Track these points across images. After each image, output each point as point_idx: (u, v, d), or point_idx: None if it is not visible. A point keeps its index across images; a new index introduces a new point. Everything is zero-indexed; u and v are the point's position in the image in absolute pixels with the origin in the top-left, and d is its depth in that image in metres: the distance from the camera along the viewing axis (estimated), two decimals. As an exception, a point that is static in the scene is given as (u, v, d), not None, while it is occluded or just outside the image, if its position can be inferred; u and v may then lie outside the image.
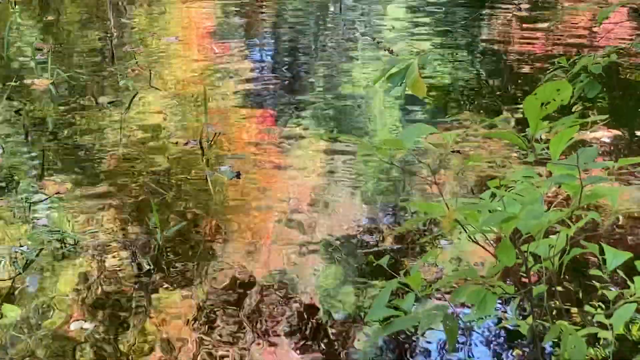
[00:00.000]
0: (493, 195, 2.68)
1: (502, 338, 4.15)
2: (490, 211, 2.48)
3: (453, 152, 6.23)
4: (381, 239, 5.21)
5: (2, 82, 8.27)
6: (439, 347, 4.09)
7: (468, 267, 4.46)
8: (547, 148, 2.57)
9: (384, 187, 5.97)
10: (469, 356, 4.01)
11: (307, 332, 4.31)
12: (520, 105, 7.62)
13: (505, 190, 2.62)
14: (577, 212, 2.55)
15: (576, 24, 11.09)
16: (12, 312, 4.43)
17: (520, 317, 3.40)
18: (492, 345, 4.12)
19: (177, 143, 6.69)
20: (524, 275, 2.68)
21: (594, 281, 4.25)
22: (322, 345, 4.19)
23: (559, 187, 2.61)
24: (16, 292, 4.63)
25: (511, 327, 3.98)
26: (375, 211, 5.68)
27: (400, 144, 2.51)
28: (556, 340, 2.61)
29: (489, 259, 4.63)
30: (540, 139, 2.55)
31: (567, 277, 4.47)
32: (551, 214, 2.53)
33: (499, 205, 2.56)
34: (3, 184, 5.97)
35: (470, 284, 2.54)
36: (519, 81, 8.69)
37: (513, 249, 2.46)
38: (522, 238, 2.61)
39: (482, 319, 3.83)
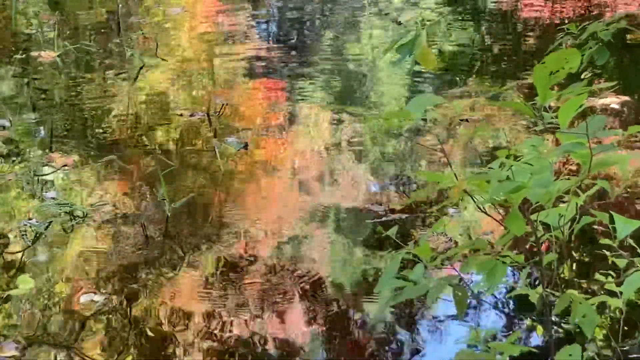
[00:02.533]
0: (502, 164, 2.66)
1: (512, 307, 4.15)
2: (499, 181, 2.46)
3: (461, 120, 6.20)
4: (389, 208, 5.20)
5: (8, 55, 8.25)
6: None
7: (477, 237, 4.45)
8: (556, 116, 2.54)
9: (391, 157, 5.95)
10: (478, 324, 4.01)
11: (314, 302, 4.31)
12: (529, 72, 7.59)
13: (514, 160, 2.60)
14: (586, 181, 2.53)
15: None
16: (26, 284, 4.43)
17: (530, 287, 3.39)
18: (501, 314, 4.12)
19: (181, 115, 6.67)
20: (534, 244, 2.66)
21: (604, 250, 4.24)
22: (330, 316, 4.19)
23: (568, 155, 2.59)
24: (26, 265, 4.64)
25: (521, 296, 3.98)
26: (383, 180, 5.66)
27: (408, 115, 2.49)
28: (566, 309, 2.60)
29: (498, 228, 4.63)
30: (549, 107, 2.53)
31: (577, 246, 4.46)
32: (560, 182, 2.51)
33: (508, 174, 2.54)
34: (11, 157, 5.96)
35: (480, 255, 2.53)
36: (528, 48, 8.63)
37: (522, 218, 2.44)
38: (531, 207, 2.59)
39: (492, 288, 3.82)
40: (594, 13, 9.69)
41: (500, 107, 6.47)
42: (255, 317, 4.18)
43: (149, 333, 4.09)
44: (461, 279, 2.61)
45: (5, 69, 7.86)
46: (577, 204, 2.67)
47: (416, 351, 3.96)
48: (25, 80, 7.66)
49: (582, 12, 9.79)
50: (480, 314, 4.15)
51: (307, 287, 4.44)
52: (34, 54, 8.25)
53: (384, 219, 5.06)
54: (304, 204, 5.32)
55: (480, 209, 2.61)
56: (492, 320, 4.13)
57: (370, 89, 7.54)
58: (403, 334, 4.06)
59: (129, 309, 4.26)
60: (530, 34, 9.14)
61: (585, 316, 2.48)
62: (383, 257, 4.64)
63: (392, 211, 5.16)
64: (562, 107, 2.48)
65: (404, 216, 5.08)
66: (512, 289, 4.16)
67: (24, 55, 8.17)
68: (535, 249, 2.60)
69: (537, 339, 3.97)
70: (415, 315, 4.16)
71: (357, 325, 4.12)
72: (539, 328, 4.01)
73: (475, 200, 2.51)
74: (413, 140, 5.96)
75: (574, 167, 3.70)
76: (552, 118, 2.48)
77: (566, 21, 9.12)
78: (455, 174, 2.52)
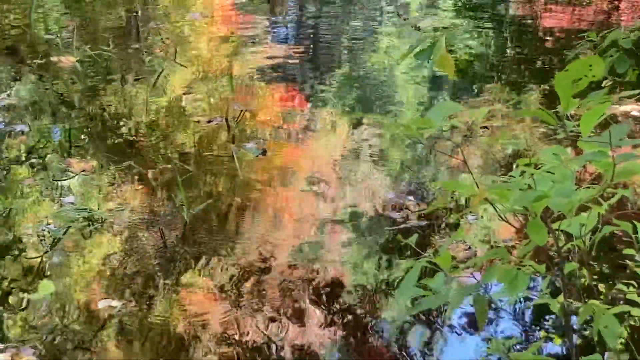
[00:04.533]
0: (523, 173, 2.64)
1: (531, 316, 4.12)
2: (521, 190, 2.45)
3: (481, 128, 6.18)
4: (407, 215, 5.18)
5: (28, 60, 8.28)
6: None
7: (497, 246, 4.43)
8: (578, 125, 2.53)
9: (410, 164, 5.94)
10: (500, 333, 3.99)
11: (332, 308, 4.30)
12: (548, 79, 7.56)
13: (535, 168, 2.58)
14: (608, 190, 2.51)
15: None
16: (47, 289, 4.44)
17: (550, 296, 3.37)
18: (522, 323, 4.10)
19: (199, 121, 6.67)
20: (555, 253, 2.64)
21: (626, 260, 4.22)
22: (348, 323, 4.18)
23: (589, 163, 2.57)
24: (44, 270, 4.65)
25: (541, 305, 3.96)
26: (402, 187, 5.65)
27: (429, 123, 2.47)
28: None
29: (517, 234, 4.61)
30: (570, 115, 2.51)
31: (598, 255, 4.43)
32: (582, 192, 2.49)
33: (529, 182, 2.52)
34: (30, 163, 5.97)
35: (501, 264, 2.51)
36: (547, 55, 8.60)
37: (544, 227, 2.42)
38: (552, 216, 2.57)
39: (513, 298, 3.80)
40: (613, 20, 9.65)
41: (516, 111, 6.45)
42: (272, 322, 4.17)
43: (167, 339, 4.08)
44: (482, 288, 2.59)
45: (25, 74, 7.89)
46: (599, 213, 2.65)
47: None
48: (45, 85, 7.68)
49: (602, 19, 9.75)
50: (500, 323, 4.12)
51: (325, 293, 4.42)
52: (53, 59, 8.27)
53: (402, 226, 5.04)
54: (322, 211, 5.31)
55: (501, 217, 2.59)
56: (510, 329, 4.10)
57: (389, 95, 7.53)
58: (420, 343, 4.04)
59: (147, 314, 4.26)
60: (550, 41, 9.10)
61: (607, 327, 2.46)
62: (402, 264, 4.62)
63: (411, 218, 5.14)
64: (584, 115, 2.46)
65: (422, 223, 5.06)
66: (529, 298, 4.14)
67: (43, 61, 8.18)
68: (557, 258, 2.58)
69: (556, 348, 3.94)
70: (433, 323, 4.14)
71: (375, 333, 4.10)
72: (557, 337, 3.98)
73: (497, 209, 2.49)
74: (432, 147, 5.94)
75: (591, 169, 3.68)
76: (574, 126, 2.46)
77: (585, 28, 9.09)
78: (476, 183, 2.50)
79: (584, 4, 10.51)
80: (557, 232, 2.57)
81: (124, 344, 4.06)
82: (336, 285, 4.49)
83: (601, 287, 4.20)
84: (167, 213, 5.28)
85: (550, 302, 3.03)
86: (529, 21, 9.97)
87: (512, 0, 11.02)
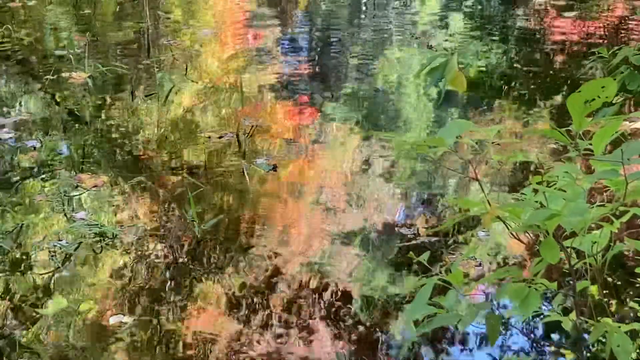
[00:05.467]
0: (535, 191, 2.65)
1: (544, 333, 4.12)
2: (533, 208, 2.46)
3: (492, 143, 6.18)
4: (418, 231, 5.19)
5: (40, 76, 8.31)
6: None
7: (508, 263, 4.43)
8: (590, 143, 2.53)
9: (420, 180, 5.94)
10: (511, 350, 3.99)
11: (342, 325, 4.30)
12: (558, 95, 7.57)
13: (547, 186, 2.59)
14: (620, 208, 2.51)
15: (613, 14, 10.97)
16: (59, 304, 4.45)
17: (562, 313, 3.37)
18: (533, 340, 4.09)
19: (210, 137, 6.68)
20: (567, 271, 2.65)
21: (638, 278, 4.21)
22: (358, 339, 4.18)
23: (601, 181, 2.57)
24: (55, 286, 4.66)
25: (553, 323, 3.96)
26: (412, 203, 5.65)
27: (441, 142, 2.48)
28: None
29: (529, 251, 4.61)
30: (583, 133, 2.52)
31: (610, 272, 4.43)
32: (594, 210, 2.50)
33: (540, 199, 2.53)
34: (41, 178, 6.00)
35: (513, 282, 2.52)
36: (557, 71, 8.61)
37: (557, 246, 2.42)
38: (564, 234, 2.58)
39: (526, 316, 3.80)
40: (623, 36, 9.66)
41: (528, 129, 6.46)
42: (282, 338, 4.18)
43: (178, 354, 4.09)
44: (493, 306, 2.60)
45: (36, 90, 7.92)
46: (610, 231, 2.65)
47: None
48: (56, 101, 7.71)
49: (613, 34, 9.75)
50: (511, 340, 4.12)
51: (335, 309, 4.43)
52: (65, 75, 8.29)
53: (413, 242, 5.05)
54: (332, 226, 5.32)
55: (513, 235, 2.60)
56: (521, 346, 4.10)
57: (399, 111, 7.53)
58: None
59: (158, 330, 4.27)
60: (560, 56, 9.11)
61: (620, 345, 2.46)
62: (413, 281, 4.62)
63: (421, 234, 5.14)
64: (597, 133, 2.46)
65: (433, 239, 5.07)
66: (540, 314, 4.13)
67: (55, 76, 8.21)
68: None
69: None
70: (443, 339, 4.14)
71: (386, 349, 4.10)
72: (568, 354, 3.98)
73: (509, 227, 2.50)
74: (442, 164, 5.95)
75: (603, 185, 3.68)
76: (588, 145, 2.47)
77: (596, 43, 9.09)
78: (488, 201, 2.51)
79: (594, 18, 10.52)
80: (569, 250, 2.58)
81: (135, 359, 4.07)
82: (346, 302, 4.49)
83: (613, 304, 4.20)
84: (178, 228, 5.29)
85: (563, 320, 3.03)
86: (539, 36, 9.98)
87: (522, 15, 11.03)
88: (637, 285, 4.29)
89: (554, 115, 7.08)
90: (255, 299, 4.52)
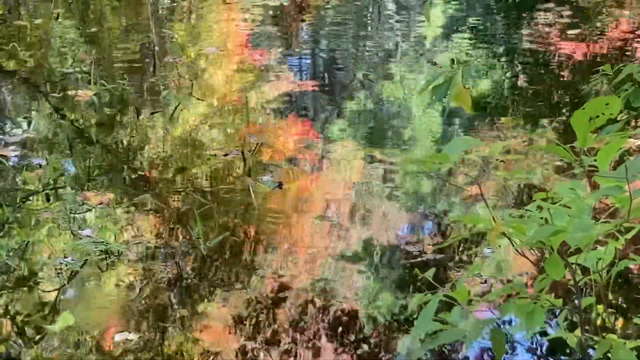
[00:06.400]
0: (539, 207, 2.66)
1: (550, 350, 4.11)
2: (537, 224, 2.47)
3: (497, 161, 6.18)
4: (423, 249, 5.19)
5: (46, 94, 8.34)
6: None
7: (514, 280, 4.44)
8: (595, 159, 2.54)
9: (425, 197, 5.95)
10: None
11: (348, 341, 4.30)
12: (563, 111, 7.58)
13: (552, 203, 2.60)
14: (625, 225, 2.52)
15: (618, 31, 10.99)
16: (66, 321, 4.46)
17: (568, 330, 3.37)
18: (539, 357, 4.09)
19: (215, 155, 6.69)
20: (572, 287, 2.65)
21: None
22: (364, 357, 4.18)
23: (606, 198, 2.58)
24: (61, 303, 4.67)
25: (558, 339, 3.96)
26: (417, 220, 5.66)
27: (447, 158, 2.50)
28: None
29: (534, 267, 4.61)
30: (587, 150, 2.53)
31: (615, 289, 4.43)
32: (599, 226, 2.50)
33: (544, 215, 2.54)
34: (47, 196, 6.01)
35: (518, 298, 2.53)
36: (562, 87, 8.62)
37: (561, 262, 2.43)
38: (569, 250, 2.58)
39: (531, 332, 3.81)
40: (628, 52, 9.67)
41: (533, 146, 6.47)
42: (287, 356, 4.18)
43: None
44: (499, 323, 2.60)
45: (42, 108, 7.95)
46: (615, 247, 2.66)
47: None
48: (62, 119, 7.73)
49: (617, 51, 9.77)
50: (517, 357, 4.12)
51: (340, 327, 4.43)
52: (70, 92, 8.32)
53: (418, 259, 5.05)
54: (337, 243, 5.32)
55: (518, 252, 2.61)
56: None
57: (403, 129, 7.55)
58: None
59: (163, 347, 4.27)
60: (564, 73, 9.13)
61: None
62: (417, 298, 4.62)
63: (426, 251, 5.15)
64: (601, 150, 2.48)
65: (438, 256, 5.07)
66: (545, 332, 4.13)
67: (60, 94, 8.24)
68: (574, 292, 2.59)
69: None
70: (451, 355, 4.14)
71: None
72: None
73: (513, 243, 2.50)
74: (447, 181, 5.96)
75: (607, 202, 3.69)
76: (592, 161, 2.48)
77: (600, 60, 9.11)
78: (493, 217, 2.52)
79: (599, 35, 10.53)
80: (574, 267, 2.59)
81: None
82: (351, 320, 4.50)
83: (618, 321, 4.20)
84: (184, 246, 5.30)
85: (568, 336, 3.03)
86: (544, 53, 9.99)
87: (526, 32, 11.05)
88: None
89: (560, 131, 7.09)
90: (260, 317, 4.53)
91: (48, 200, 5.95)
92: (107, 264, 5.08)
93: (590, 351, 2.79)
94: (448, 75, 3.14)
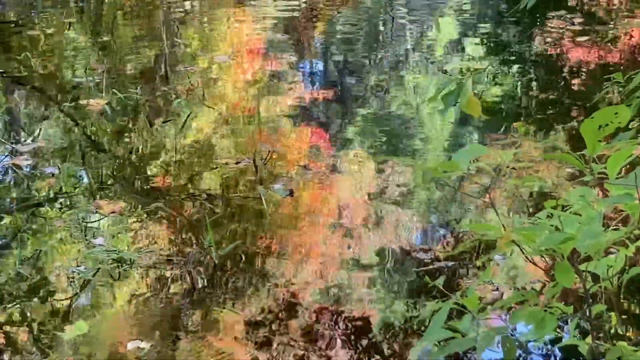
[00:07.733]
0: (550, 215, 2.66)
1: (561, 357, 4.11)
2: (548, 231, 2.47)
3: (507, 168, 6.18)
4: (435, 256, 5.20)
5: (58, 103, 8.38)
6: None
7: (524, 288, 4.43)
8: (605, 167, 2.54)
9: (436, 204, 5.95)
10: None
11: (360, 351, 4.30)
12: (574, 119, 7.57)
13: (562, 210, 2.60)
14: (636, 232, 2.52)
15: (629, 39, 10.97)
16: (81, 330, 4.47)
17: (579, 337, 3.37)
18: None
19: (227, 163, 6.71)
20: (583, 295, 2.65)
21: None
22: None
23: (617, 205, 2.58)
24: (74, 312, 4.68)
25: (569, 347, 3.95)
26: (429, 228, 5.66)
27: (456, 166, 2.50)
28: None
29: (545, 274, 4.60)
30: (597, 156, 2.53)
31: (626, 296, 4.42)
32: (610, 233, 2.50)
33: (555, 222, 2.54)
34: (60, 204, 6.04)
35: (529, 306, 2.53)
36: (573, 95, 8.61)
37: (572, 270, 2.43)
38: (579, 258, 2.58)
39: (541, 340, 3.80)
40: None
41: (544, 154, 6.46)
42: (301, 365, 4.19)
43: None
44: (510, 330, 2.60)
45: (54, 117, 7.98)
46: (626, 255, 2.66)
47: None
48: (74, 128, 7.76)
49: (628, 58, 9.75)
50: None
51: (353, 335, 4.43)
52: (82, 102, 8.34)
53: (429, 267, 5.05)
54: (349, 251, 5.33)
55: (528, 259, 2.61)
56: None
57: (415, 136, 7.55)
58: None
59: (175, 356, 4.28)
60: (576, 80, 9.12)
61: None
62: (429, 305, 4.62)
63: (438, 259, 5.15)
64: (611, 157, 2.48)
65: (449, 264, 5.07)
66: (557, 339, 4.13)
67: (73, 104, 8.26)
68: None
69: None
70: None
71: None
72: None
73: (523, 251, 2.51)
74: (458, 188, 5.96)
75: (618, 209, 3.68)
76: (602, 169, 2.48)
77: (612, 67, 9.10)
78: (503, 225, 2.52)
79: (610, 42, 10.52)
80: (584, 274, 2.58)
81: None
82: (364, 327, 4.50)
83: (629, 328, 4.19)
84: (196, 254, 5.31)
85: (579, 344, 3.03)
86: (555, 60, 9.98)
87: (538, 39, 11.04)
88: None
89: (571, 139, 7.08)
90: (273, 325, 4.53)
91: (60, 209, 5.98)
92: (119, 272, 5.09)
93: (601, 359, 2.79)
94: (458, 83, 3.14)
